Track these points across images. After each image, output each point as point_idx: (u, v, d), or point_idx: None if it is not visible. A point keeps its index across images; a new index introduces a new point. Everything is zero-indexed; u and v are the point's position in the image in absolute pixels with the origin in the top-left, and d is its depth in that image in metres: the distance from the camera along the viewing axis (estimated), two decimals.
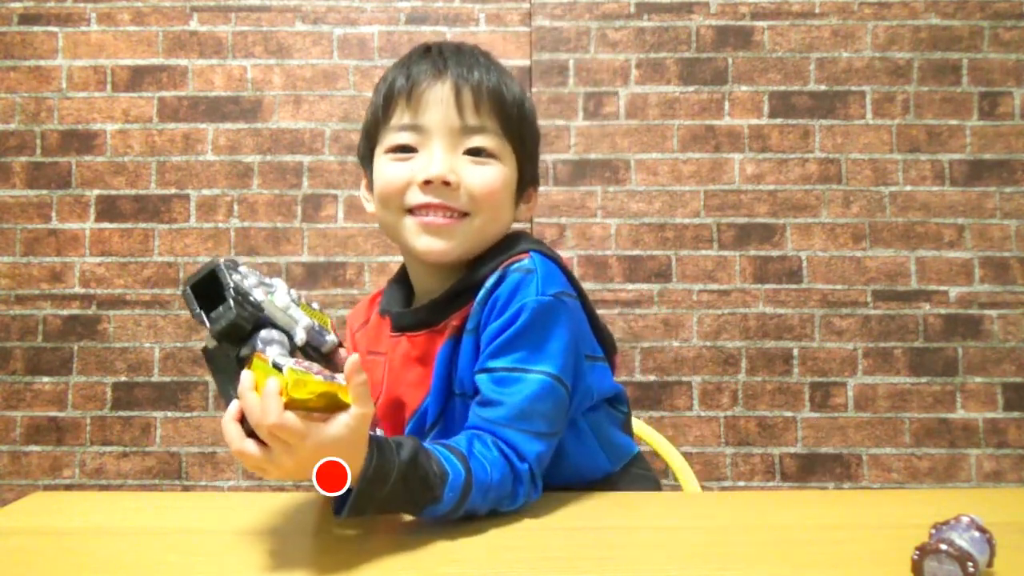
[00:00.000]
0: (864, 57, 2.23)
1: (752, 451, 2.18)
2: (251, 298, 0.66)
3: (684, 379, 2.19)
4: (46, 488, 2.18)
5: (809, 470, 2.18)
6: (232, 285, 0.65)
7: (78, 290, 2.22)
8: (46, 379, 2.21)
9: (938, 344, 2.19)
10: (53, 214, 2.24)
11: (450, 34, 2.22)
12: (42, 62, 2.25)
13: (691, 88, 2.24)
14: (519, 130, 0.90)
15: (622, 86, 2.24)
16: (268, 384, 0.59)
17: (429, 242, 0.85)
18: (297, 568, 0.66)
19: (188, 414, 2.20)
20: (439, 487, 0.68)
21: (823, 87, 2.24)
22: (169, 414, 2.20)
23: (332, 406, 0.61)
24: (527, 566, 0.65)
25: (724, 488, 2.17)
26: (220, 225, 2.24)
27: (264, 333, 0.66)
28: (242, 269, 0.68)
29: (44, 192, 2.24)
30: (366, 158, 0.94)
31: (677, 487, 1.27)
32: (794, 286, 2.21)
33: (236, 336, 0.66)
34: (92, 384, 2.21)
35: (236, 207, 2.24)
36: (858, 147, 2.23)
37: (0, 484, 2.18)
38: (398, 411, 0.91)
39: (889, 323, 2.20)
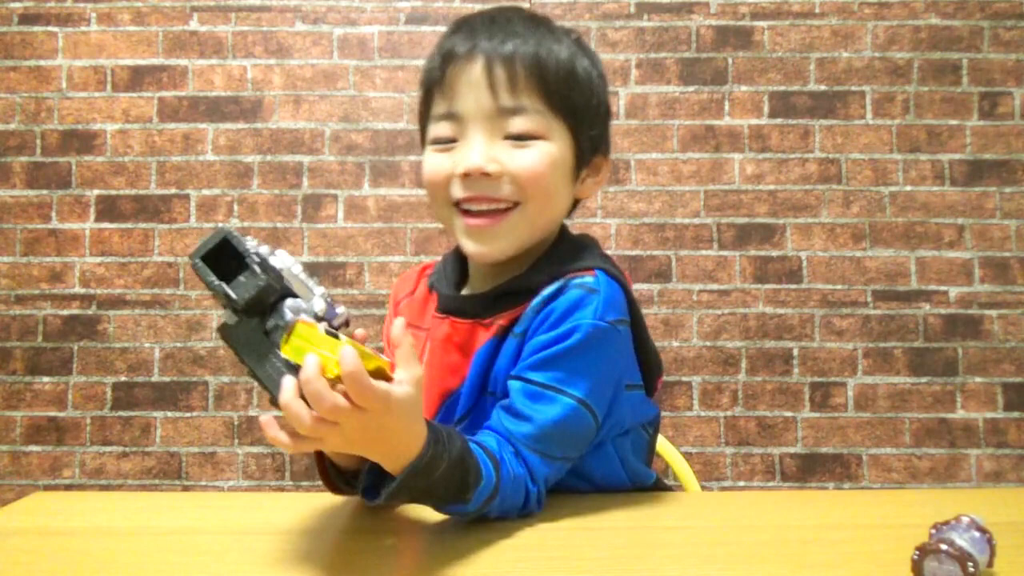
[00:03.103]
0: (864, 57, 2.23)
1: (752, 451, 2.18)
2: (271, 265, 0.61)
3: (684, 379, 2.19)
4: (46, 488, 2.18)
5: (809, 470, 2.18)
6: (253, 250, 0.59)
7: (78, 290, 2.22)
8: (46, 379, 2.21)
9: (938, 344, 2.19)
10: (53, 214, 2.24)
11: None
12: (42, 62, 2.25)
13: (691, 88, 2.24)
14: (568, 100, 0.82)
15: (622, 86, 2.24)
16: (346, 360, 0.54)
17: (478, 246, 0.82)
18: (297, 568, 0.66)
19: (188, 414, 2.20)
20: (472, 489, 0.67)
21: (823, 87, 2.24)
22: (169, 414, 2.20)
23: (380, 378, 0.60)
24: (527, 566, 0.65)
25: (724, 488, 2.17)
26: (220, 225, 2.23)
27: (291, 302, 0.61)
28: (249, 239, 0.62)
29: (44, 192, 2.24)
30: (422, 144, 0.90)
31: (677, 487, 1.27)
32: (794, 286, 2.21)
33: (261, 307, 0.60)
34: (92, 384, 2.21)
35: (236, 207, 2.24)
36: (858, 147, 2.23)
37: (0, 484, 2.18)
38: (430, 391, 0.88)
39: (889, 323, 2.20)
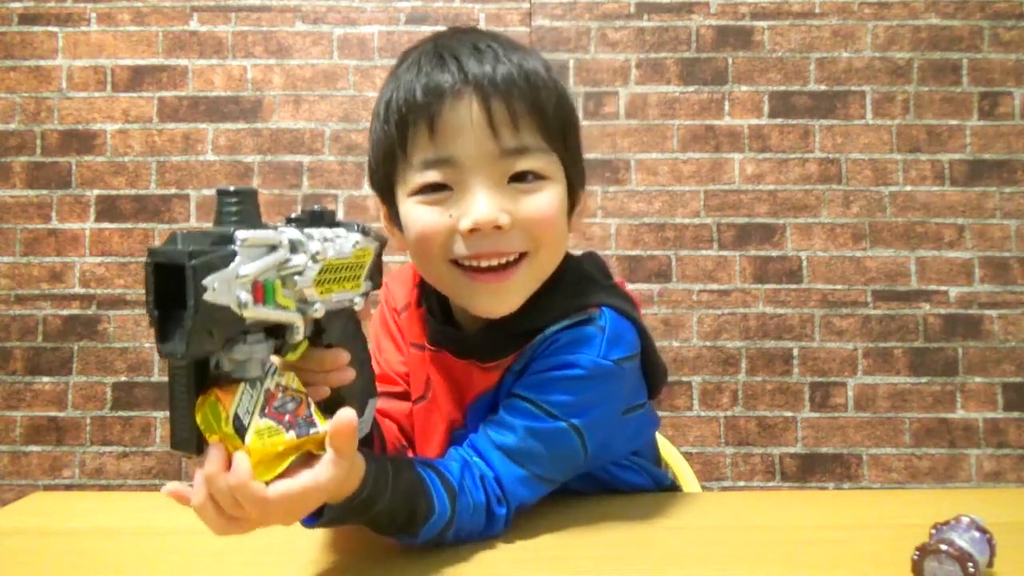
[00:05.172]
0: (864, 57, 2.23)
1: (752, 451, 2.18)
2: (226, 313, 0.49)
3: (684, 379, 2.19)
4: (46, 488, 2.18)
5: (809, 470, 2.17)
6: (192, 306, 0.47)
7: (78, 290, 2.22)
8: (46, 379, 2.21)
9: (938, 344, 2.19)
10: (53, 214, 2.23)
11: None
12: (42, 62, 2.25)
13: (691, 88, 2.24)
14: (561, 130, 0.75)
15: (622, 86, 2.24)
16: (239, 469, 0.50)
17: (489, 305, 0.74)
18: (297, 568, 0.66)
19: None
20: (421, 523, 0.65)
21: (823, 87, 2.23)
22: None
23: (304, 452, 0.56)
24: (527, 566, 0.65)
25: (724, 488, 2.17)
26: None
27: (238, 351, 0.52)
28: (245, 242, 0.50)
29: (44, 192, 2.24)
30: (384, 190, 0.78)
31: (677, 487, 1.27)
32: (794, 286, 2.21)
33: (204, 348, 0.50)
34: (92, 384, 2.21)
35: None
36: (858, 147, 2.23)
37: (0, 484, 2.18)
38: (439, 419, 0.85)
39: (889, 323, 2.20)
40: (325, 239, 0.58)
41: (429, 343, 0.84)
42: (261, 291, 0.52)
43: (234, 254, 0.49)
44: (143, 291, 0.54)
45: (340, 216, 0.66)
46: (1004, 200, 2.21)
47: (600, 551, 0.68)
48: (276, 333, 0.55)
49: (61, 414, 2.20)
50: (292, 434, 0.54)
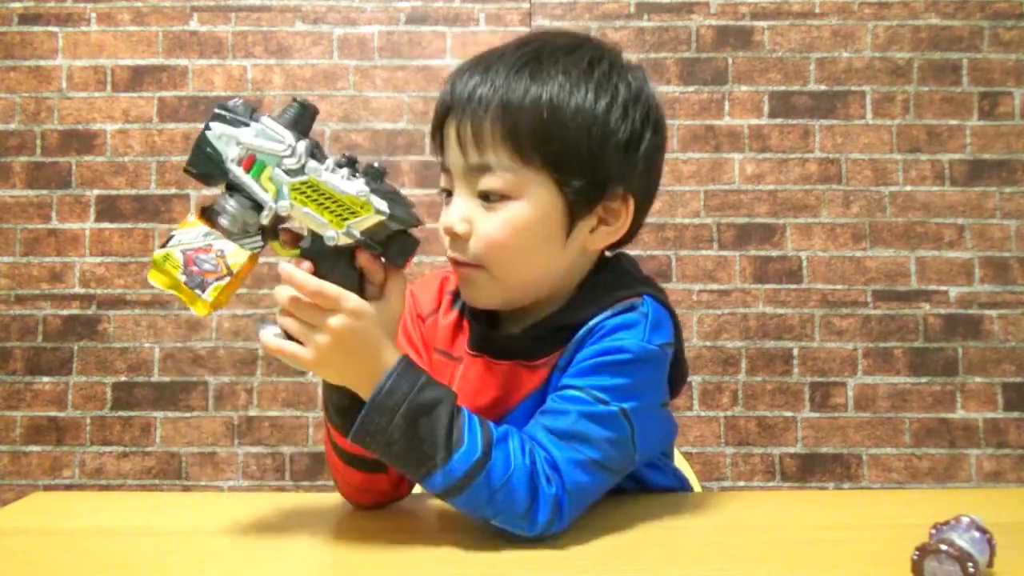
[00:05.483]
0: (864, 57, 2.23)
1: (752, 451, 2.18)
2: (216, 156, 0.65)
3: None
4: (46, 488, 2.18)
5: (809, 470, 2.17)
6: (200, 137, 0.65)
7: (78, 290, 2.22)
8: (46, 379, 2.21)
9: (938, 344, 2.19)
10: (53, 214, 2.23)
11: (450, 34, 2.22)
12: (42, 62, 2.25)
13: (691, 88, 2.24)
14: (545, 150, 0.73)
15: None
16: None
17: (465, 293, 0.80)
18: (297, 568, 0.66)
19: (188, 414, 2.20)
20: (443, 452, 0.65)
21: (823, 87, 2.23)
22: (169, 414, 2.20)
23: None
24: (527, 566, 0.65)
25: (724, 488, 2.17)
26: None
27: (222, 200, 0.66)
28: (265, 124, 0.64)
29: (44, 192, 2.24)
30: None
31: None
32: (794, 286, 2.21)
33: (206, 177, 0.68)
34: (92, 384, 2.21)
35: None
36: (858, 147, 2.23)
37: (0, 484, 2.18)
38: None
39: (889, 323, 2.20)
40: (333, 171, 0.66)
41: (471, 349, 0.83)
42: (251, 163, 0.65)
43: (246, 124, 0.64)
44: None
45: None
46: (1004, 200, 2.21)
47: (600, 551, 0.68)
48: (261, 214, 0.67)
49: (61, 414, 2.20)
50: (183, 277, 0.66)
